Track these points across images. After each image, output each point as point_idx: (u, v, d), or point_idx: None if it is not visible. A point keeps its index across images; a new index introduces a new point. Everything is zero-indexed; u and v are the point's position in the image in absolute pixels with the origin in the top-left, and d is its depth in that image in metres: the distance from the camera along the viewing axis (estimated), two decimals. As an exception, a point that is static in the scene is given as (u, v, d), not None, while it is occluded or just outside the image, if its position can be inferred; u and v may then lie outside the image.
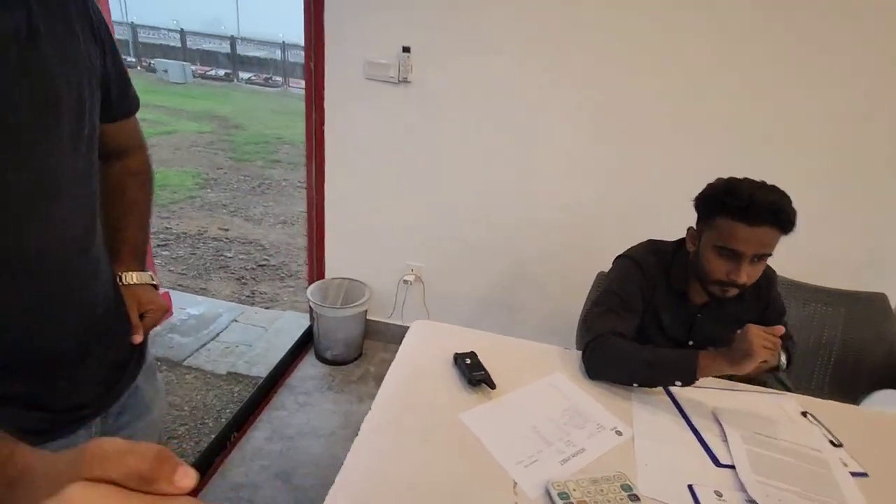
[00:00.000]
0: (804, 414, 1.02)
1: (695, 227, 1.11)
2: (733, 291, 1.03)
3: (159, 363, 2.01)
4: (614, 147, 1.82)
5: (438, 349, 1.04)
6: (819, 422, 0.99)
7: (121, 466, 0.21)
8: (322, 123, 1.97)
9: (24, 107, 0.51)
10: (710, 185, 1.06)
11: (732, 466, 0.84)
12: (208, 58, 17.82)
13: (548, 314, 2.12)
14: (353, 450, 0.78)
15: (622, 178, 1.85)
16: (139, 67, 15.22)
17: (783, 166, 1.68)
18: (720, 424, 0.94)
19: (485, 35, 1.74)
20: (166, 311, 0.81)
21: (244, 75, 16.35)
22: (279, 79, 16.64)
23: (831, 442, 0.94)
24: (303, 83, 2.24)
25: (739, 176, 1.02)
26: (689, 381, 0.96)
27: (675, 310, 1.16)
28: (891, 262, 1.80)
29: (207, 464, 1.54)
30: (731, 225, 0.98)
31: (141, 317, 0.76)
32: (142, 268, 0.80)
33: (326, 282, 2.21)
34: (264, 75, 16.48)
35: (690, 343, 1.19)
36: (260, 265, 3.29)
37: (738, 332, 0.94)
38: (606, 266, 1.25)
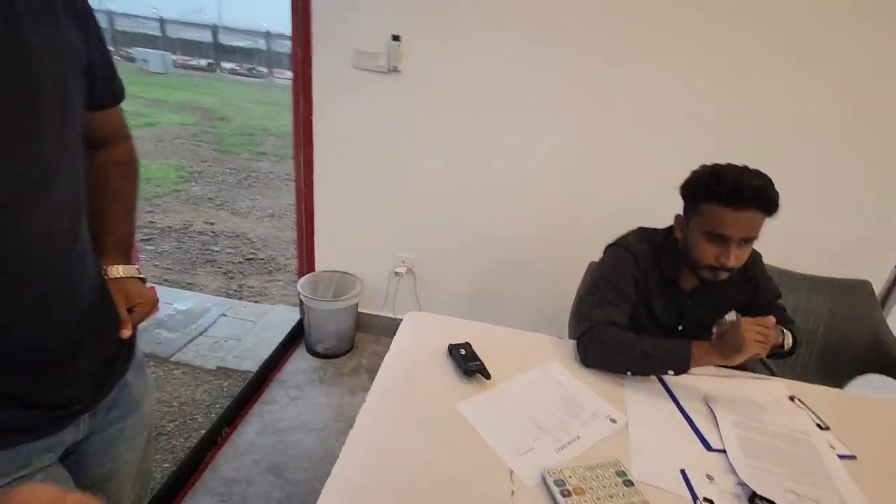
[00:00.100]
0: (792, 398, 1.04)
1: (682, 214, 1.12)
2: (724, 275, 1.05)
3: (146, 359, 1.98)
4: (604, 137, 1.82)
5: (432, 340, 1.03)
6: (806, 406, 1.01)
7: None
8: (310, 114, 1.93)
9: (5, 95, 0.50)
10: (694, 173, 1.07)
11: (723, 451, 0.85)
12: (189, 47, 17.42)
13: (540, 303, 2.13)
14: (348, 442, 0.77)
15: (612, 167, 1.86)
16: (117, 57, 14.83)
17: (769, 156, 1.69)
18: (711, 410, 0.95)
19: (475, 23, 1.72)
20: (155, 304, 0.79)
21: (227, 65, 16.04)
22: (263, 69, 16.36)
23: (818, 425, 0.96)
24: (288, 74, 2.20)
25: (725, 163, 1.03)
26: (681, 371, 0.99)
27: (666, 296, 1.17)
28: (873, 250, 1.84)
29: (198, 459, 1.52)
30: (718, 210, 0.99)
31: (129, 311, 0.74)
32: (128, 261, 0.78)
33: (317, 275, 2.19)
34: (248, 65, 16.20)
35: (680, 328, 1.20)
36: (248, 259, 3.25)
37: (730, 325, 0.96)
38: (596, 255, 1.26)
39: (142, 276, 0.79)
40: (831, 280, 1.56)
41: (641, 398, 0.97)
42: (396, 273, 2.16)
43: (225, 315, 2.41)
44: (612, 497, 0.71)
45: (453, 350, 0.99)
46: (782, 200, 0.98)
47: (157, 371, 1.97)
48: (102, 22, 0.66)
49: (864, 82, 1.63)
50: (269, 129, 7.70)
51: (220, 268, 3.08)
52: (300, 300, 2.14)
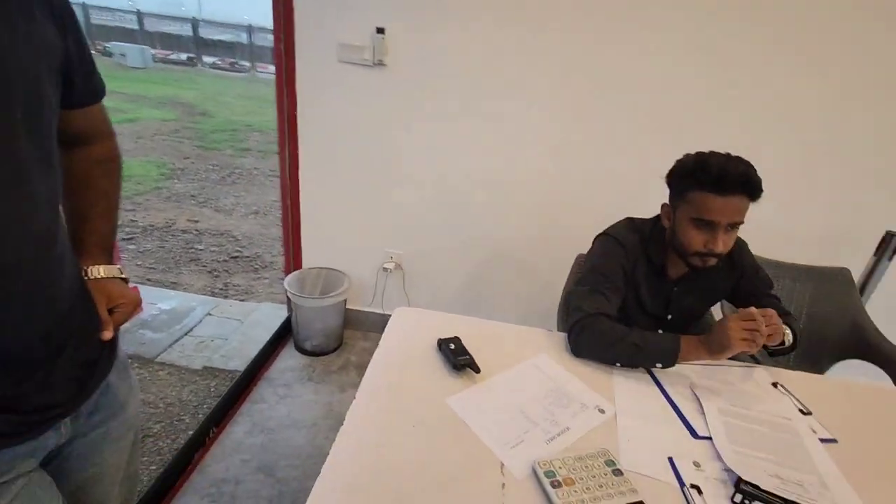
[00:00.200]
0: (775, 385, 1.06)
1: (668, 203, 1.13)
2: (712, 261, 1.07)
3: (130, 360, 1.95)
4: (592, 130, 1.83)
5: (421, 336, 1.03)
6: (789, 392, 1.04)
7: None
8: (294, 109, 1.91)
9: None
10: (679, 162, 1.09)
11: (710, 438, 0.87)
12: (168, 41, 17.05)
13: (528, 297, 2.14)
14: (338, 439, 0.77)
15: (599, 160, 1.87)
16: (94, 52, 14.42)
17: (754, 147, 1.72)
18: (697, 398, 0.97)
19: (461, 15, 1.70)
20: (138, 304, 0.78)
21: (208, 59, 15.73)
22: (246, 63, 16.09)
23: (801, 410, 0.98)
24: (270, 68, 2.16)
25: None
26: (669, 364, 1.00)
27: (654, 285, 1.19)
28: (852, 238, 1.88)
29: (186, 460, 1.50)
30: (704, 197, 1.01)
31: (110, 312, 0.72)
32: (109, 261, 0.76)
33: (304, 272, 2.17)
34: (230, 59, 15.90)
35: (669, 317, 1.22)
36: (233, 257, 3.21)
37: (718, 323, 0.97)
38: (584, 247, 1.27)
39: (124, 276, 0.77)
40: (812, 268, 1.60)
41: (629, 388, 0.98)
42: (384, 269, 2.15)
43: (210, 314, 2.38)
44: (601, 486, 0.72)
45: (442, 345, 0.99)
46: (766, 193, 1.00)
47: (141, 372, 1.94)
48: (78, 15, 0.64)
49: (842, 77, 1.66)
50: (253, 124, 7.59)
51: (204, 266, 3.04)
52: (287, 298, 2.12)
